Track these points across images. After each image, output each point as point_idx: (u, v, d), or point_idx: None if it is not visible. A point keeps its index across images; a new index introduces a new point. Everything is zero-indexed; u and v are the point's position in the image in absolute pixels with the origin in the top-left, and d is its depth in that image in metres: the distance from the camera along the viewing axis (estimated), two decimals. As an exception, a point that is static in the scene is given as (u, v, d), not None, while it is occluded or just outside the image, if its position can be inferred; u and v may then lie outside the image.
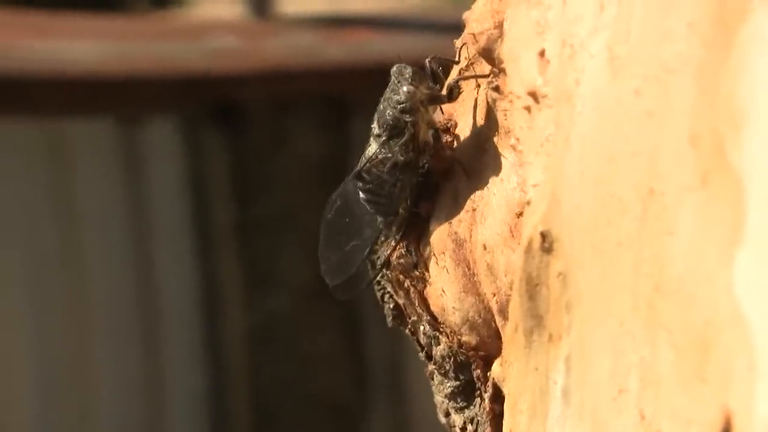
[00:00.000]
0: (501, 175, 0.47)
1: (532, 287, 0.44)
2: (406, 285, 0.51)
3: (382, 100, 0.51)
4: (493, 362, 0.48)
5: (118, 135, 2.11)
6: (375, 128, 0.51)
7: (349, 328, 2.20)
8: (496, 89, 0.47)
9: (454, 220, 0.49)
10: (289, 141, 2.24)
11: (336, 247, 0.53)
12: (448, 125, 0.51)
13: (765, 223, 0.34)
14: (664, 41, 0.38)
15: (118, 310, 2.09)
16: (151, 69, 2.10)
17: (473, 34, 0.46)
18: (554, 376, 0.43)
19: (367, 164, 0.51)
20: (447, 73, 0.51)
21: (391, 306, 0.53)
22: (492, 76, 0.47)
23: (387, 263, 0.51)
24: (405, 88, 0.50)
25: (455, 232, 0.49)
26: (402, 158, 0.51)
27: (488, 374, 0.49)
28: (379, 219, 0.52)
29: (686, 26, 0.37)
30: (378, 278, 0.53)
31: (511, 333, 0.46)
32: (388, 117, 0.51)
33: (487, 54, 0.46)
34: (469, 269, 0.49)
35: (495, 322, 0.48)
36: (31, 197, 2.01)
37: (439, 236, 0.49)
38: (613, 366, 0.40)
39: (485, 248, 0.47)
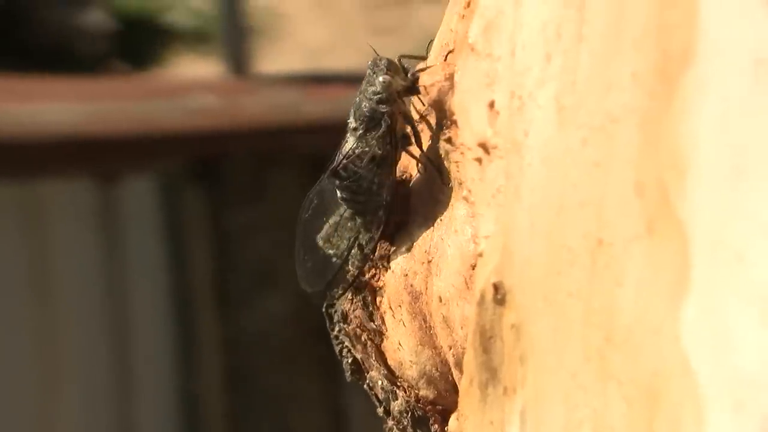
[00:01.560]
0: (455, 226, 0.47)
1: (486, 340, 0.43)
2: (363, 338, 0.50)
3: (358, 93, 0.50)
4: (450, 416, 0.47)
5: (95, 194, 2.10)
6: (351, 122, 0.50)
7: (333, 402, 2.18)
8: (449, 141, 0.46)
9: (410, 273, 0.48)
10: (268, 197, 2.24)
11: (313, 249, 0.51)
12: (403, 177, 0.50)
13: (709, 272, 0.34)
14: (608, 91, 0.38)
15: (93, 374, 2.07)
16: (129, 128, 2.10)
17: (425, 87, 0.46)
18: (509, 430, 0.43)
19: (344, 160, 0.50)
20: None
21: (350, 360, 0.52)
22: (447, 78, 0.46)
23: (365, 262, 0.50)
24: (381, 78, 0.49)
25: (411, 285, 0.48)
26: (379, 152, 0.49)
27: (445, 429, 0.48)
28: (358, 219, 0.50)
29: (630, 76, 0.37)
30: (337, 332, 0.52)
31: (466, 386, 0.45)
32: (364, 109, 0.50)
33: (439, 106, 0.46)
34: (425, 322, 0.48)
35: (452, 375, 0.47)
36: (4, 259, 2.00)
37: (395, 289, 0.49)
38: (567, 419, 0.39)
39: (441, 300, 0.47)
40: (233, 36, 3.12)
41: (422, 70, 0.49)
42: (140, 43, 3.59)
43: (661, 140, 0.36)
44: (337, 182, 0.50)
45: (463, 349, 0.46)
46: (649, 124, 0.36)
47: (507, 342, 0.43)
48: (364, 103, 0.50)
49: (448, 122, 0.46)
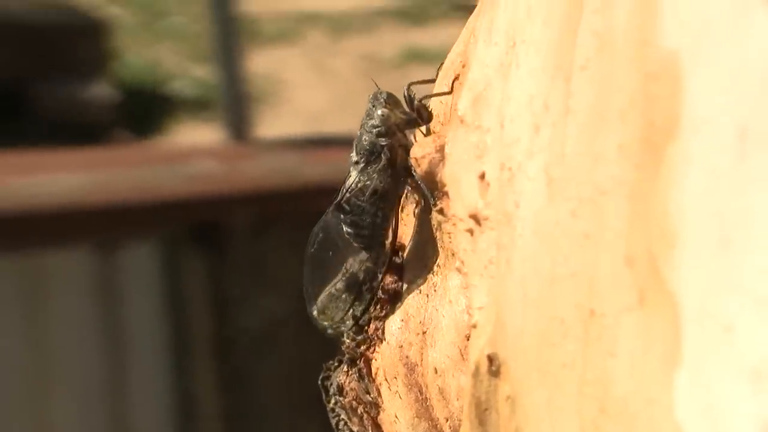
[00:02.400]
0: (449, 296, 0.47)
1: (482, 412, 0.43)
2: (359, 411, 0.50)
3: (360, 127, 0.50)
4: (448, 489, 0.47)
5: (96, 262, 2.10)
6: (353, 156, 0.51)
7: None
8: (441, 212, 0.47)
9: (405, 344, 0.48)
10: (270, 261, 2.24)
11: (321, 283, 0.51)
12: (397, 248, 0.51)
13: (700, 343, 0.34)
14: (596, 163, 0.38)
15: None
16: (130, 196, 2.11)
17: (416, 159, 0.47)
18: (507, 503, 0.42)
19: (347, 194, 0.50)
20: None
21: (347, 433, 0.52)
22: (451, 93, 0.47)
23: (372, 300, 0.50)
24: (379, 111, 0.49)
25: (406, 356, 0.48)
26: (381, 184, 0.49)
27: (443, 501, 0.47)
28: (365, 254, 0.50)
29: (616, 149, 0.37)
30: (333, 405, 0.52)
31: (463, 458, 0.45)
32: (364, 142, 0.50)
33: (430, 178, 0.46)
34: (421, 394, 0.48)
35: (449, 447, 0.47)
36: (4, 328, 1.99)
37: (391, 360, 0.49)
38: (564, 491, 0.39)
39: (436, 372, 0.47)
40: (233, 103, 3.16)
41: (428, 96, 0.50)
42: (143, 112, 3.63)
43: (649, 212, 0.36)
44: (342, 216, 0.51)
45: (460, 421, 0.46)
46: (637, 196, 0.36)
47: (502, 414, 0.42)
48: (364, 137, 0.50)
49: (440, 193, 0.47)
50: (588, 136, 0.39)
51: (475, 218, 0.44)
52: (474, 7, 0.49)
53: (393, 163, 0.50)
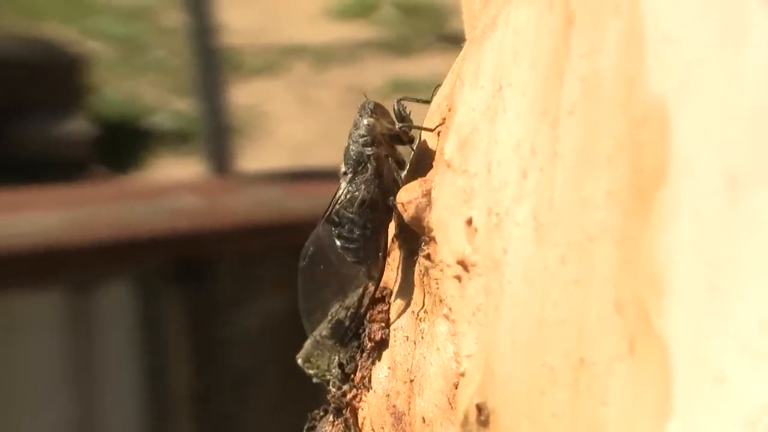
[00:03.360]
0: (436, 344, 0.47)
1: (471, 462, 0.44)
2: (346, 462, 0.50)
3: (348, 137, 0.51)
4: None
5: (72, 302, 2.09)
6: (342, 167, 0.52)
7: None
8: (428, 257, 0.47)
9: (392, 393, 0.49)
10: (253, 298, 2.23)
11: (317, 300, 0.52)
12: (383, 294, 0.51)
13: (691, 391, 0.34)
14: (584, 209, 0.39)
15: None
16: (107, 233, 2.10)
17: (402, 204, 0.47)
18: None
19: (336, 206, 0.51)
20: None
21: (335, 485, 0.52)
22: (442, 125, 0.47)
23: (362, 313, 0.50)
24: (365, 121, 0.50)
25: (394, 405, 0.49)
26: (368, 195, 0.50)
27: None
28: (361, 268, 0.51)
29: (605, 194, 0.38)
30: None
31: None
32: (351, 152, 0.51)
33: (417, 223, 0.47)
34: (409, 443, 0.48)
35: (438, 498, 0.47)
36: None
37: (378, 410, 0.49)
38: None
39: (425, 421, 0.47)
40: (215, 135, 3.16)
41: (413, 126, 0.51)
42: (122, 147, 3.64)
43: (638, 258, 0.37)
44: (333, 229, 0.51)
45: (449, 470, 0.46)
46: (625, 242, 0.37)
47: (492, 464, 0.43)
48: (352, 147, 0.51)
49: (427, 239, 0.47)
50: (576, 181, 0.39)
51: (463, 264, 0.45)
52: (460, 38, 0.50)
53: (380, 172, 0.50)
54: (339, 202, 0.51)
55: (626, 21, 0.36)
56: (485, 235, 0.44)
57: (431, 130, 0.49)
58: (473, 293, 0.44)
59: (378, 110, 0.51)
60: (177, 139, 3.71)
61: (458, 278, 0.45)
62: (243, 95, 3.61)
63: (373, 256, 0.50)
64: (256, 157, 3.36)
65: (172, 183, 3.06)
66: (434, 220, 0.47)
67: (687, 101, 0.35)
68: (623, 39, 0.37)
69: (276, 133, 3.63)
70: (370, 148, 0.50)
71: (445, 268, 0.46)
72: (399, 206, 0.48)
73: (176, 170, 3.56)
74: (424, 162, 0.50)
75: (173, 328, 2.16)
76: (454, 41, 0.52)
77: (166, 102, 3.87)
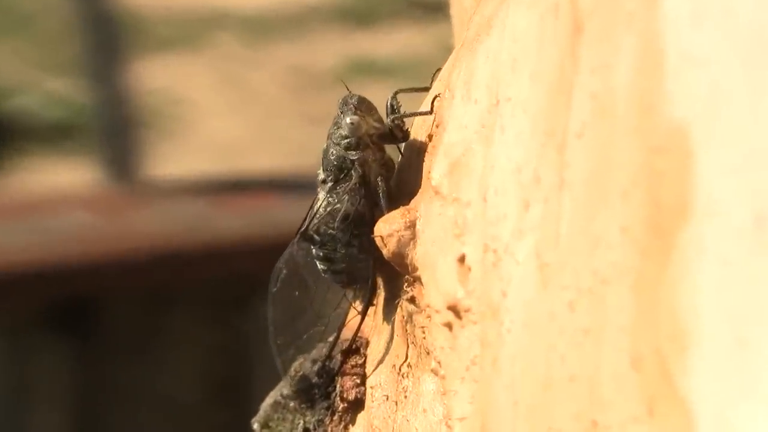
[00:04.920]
0: (423, 404, 0.53)
1: None
2: None
3: (326, 138, 0.56)
4: None
5: None
6: (320, 173, 0.56)
7: None
8: (412, 301, 0.53)
9: (370, 463, 0.55)
10: (165, 348, 2.21)
11: (292, 333, 0.56)
12: (358, 344, 0.57)
13: (717, 459, 0.40)
14: (596, 247, 0.45)
15: None
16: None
17: (381, 237, 0.53)
18: None
19: (314, 220, 0.55)
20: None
21: None
22: (432, 113, 0.52)
23: (333, 367, 0.55)
24: (348, 119, 0.55)
25: (371, 477, 0.55)
26: (352, 207, 0.55)
27: None
28: (345, 291, 0.56)
29: (619, 231, 0.44)
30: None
31: None
32: (331, 157, 0.55)
33: (399, 260, 0.53)
34: None
35: None
36: None
37: (353, 482, 0.55)
38: None
39: (408, 496, 0.53)
40: (113, 130, 3.18)
41: (406, 115, 0.55)
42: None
43: (657, 306, 0.43)
44: (313, 249, 0.56)
45: None
46: (643, 287, 0.43)
47: None
48: (332, 150, 0.55)
49: (411, 279, 0.53)
50: (586, 215, 0.46)
51: (455, 310, 0.51)
52: (438, 4, 0.56)
53: (366, 180, 0.55)
54: (317, 215, 0.55)
55: (641, 34, 0.43)
56: (481, 275, 0.50)
57: (429, 113, 0.54)
58: (467, 344, 0.50)
59: (363, 106, 0.55)
60: (57, 133, 3.68)
61: (449, 326, 0.51)
62: (152, 76, 3.64)
63: (361, 279, 0.55)
64: (171, 159, 3.39)
65: (53, 195, 2.96)
66: (420, 257, 0.53)
67: (711, 129, 0.41)
68: (639, 55, 0.43)
69: (197, 127, 3.65)
70: (354, 152, 0.55)
71: (432, 314, 0.52)
72: (378, 240, 0.54)
73: (57, 177, 3.48)
74: (409, 175, 0.56)
75: (50, 393, 2.13)
76: (432, 8, 0.58)
77: (38, 80, 3.84)
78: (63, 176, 3.50)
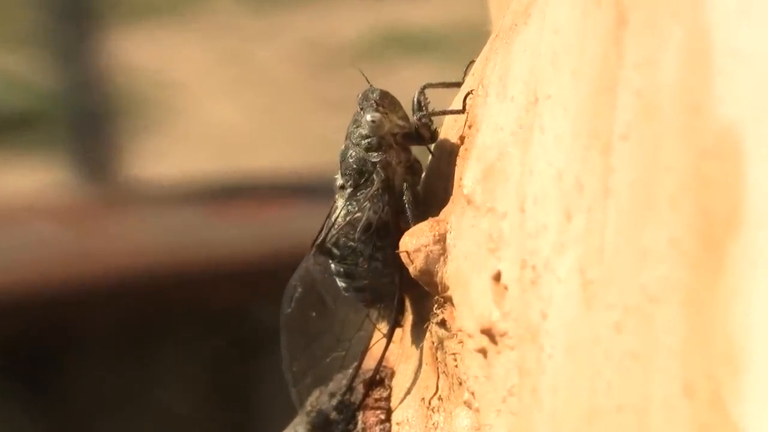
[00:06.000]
0: (456, 443, 0.60)
1: None
2: None
3: (345, 138, 0.61)
4: None
5: None
6: (338, 178, 0.61)
7: None
8: (442, 325, 0.60)
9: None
10: (147, 395, 2.19)
11: (308, 359, 0.62)
12: (382, 374, 0.63)
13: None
14: (644, 261, 0.52)
15: None
16: None
17: (407, 252, 0.60)
18: None
19: (332, 231, 0.61)
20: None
21: None
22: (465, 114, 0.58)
23: (353, 401, 0.61)
24: (369, 117, 0.60)
25: None
26: (376, 216, 0.60)
27: None
28: (368, 310, 0.61)
29: (667, 243, 0.51)
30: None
31: None
32: (350, 159, 0.61)
33: (427, 278, 0.59)
34: None
35: None
36: None
37: None
38: None
39: None
40: (85, 119, 3.20)
41: (434, 113, 0.61)
42: None
43: (709, 325, 0.49)
44: (332, 264, 0.61)
45: None
46: (694, 306, 0.50)
47: None
48: (351, 151, 0.61)
49: (441, 300, 0.59)
50: (632, 226, 0.52)
51: (490, 334, 0.57)
52: None
53: (390, 185, 0.61)
54: (336, 226, 0.61)
55: (688, 28, 0.50)
56: (518, 294, 0.56)
57: (461, 112, 0.59)
58: (503, 372, 0.57)
59: (385, 101, 0.61)
60: (13, 124, 3.68)
61: (483, 352, 0.57)
62: (133, 53, 3.65)
63: (386, 297, 0.61)
64: (157, 156, 3.39)
65: (8, 202, 2.92)
66: (450, 275, 0.59)
67: (763, 130, 0.48)
68: (685, 50, 0.50)
69: (190, 116, 3.65)
70: (376, 154, 0.61)
71: (465, 339, 0.58)
72: (403, 256, 0.60)
73: (14, 179, 3.44)
74: (438, 182, 0.62)
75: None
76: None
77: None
78: (21, 178, 3.43)
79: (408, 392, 0.62)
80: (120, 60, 3.43)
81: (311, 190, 2.38)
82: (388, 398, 0.63)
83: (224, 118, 3.64)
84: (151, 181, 2.99)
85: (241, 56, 3.88)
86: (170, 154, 3.47)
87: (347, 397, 0.62)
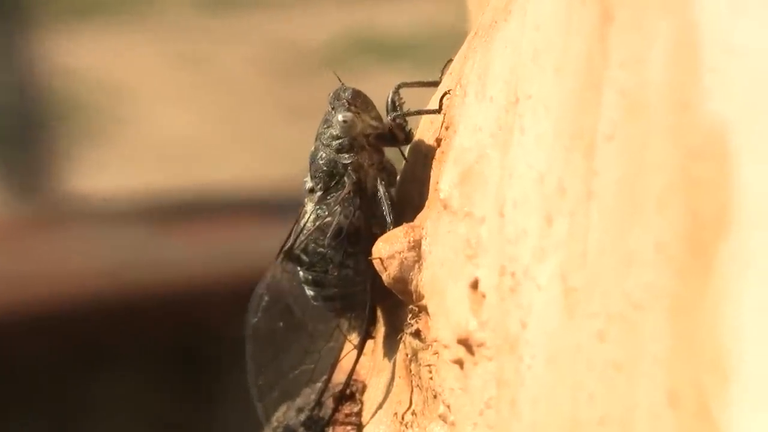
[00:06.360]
0: (430, 459, 0.62)
1: None
2: None
3: (315, 139, 0.63)
4: None
5: None
6: (307, 181, 0.64)
7: None
8: (417, 335, 0.62)
9: None
10: (89, 424, 2.18)
11: (275, 372, 0.64)
12: (353, 388, 0.66)
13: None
14: (628, 267, 0.54)
15: None
16: None
17: (380, 259, 0.62)
18: None
19: (301, 237, 0.63)
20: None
21: None
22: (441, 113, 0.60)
23: (322, 417, 0.62)
24: (340, 116, 0.63)
25: None
26: (346, 220, 0.62)
27: None
28: (338, 321, 0.63)
29: (653, 248, 0.53)
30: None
31: None
32: (320, 161, 0.63)
33: (401, 287, 0.61)
34: None
35: None
36: None
37: None
38: None
39: None
40: (16, 128, 3.18)
41: (410, 113, 0.63)
42: None
43: (696, 332, 0.51)
44: (300, 272, 0.63)
45: None
46: (680, 311, 0.52)
47: None
48: (321, 152, 0.63)
49: (415, 309, 0.61)
50: (617, 230, 0.54)
51: (466, 344, 0.59)
52: None
53: (362, 188, 0.63)
54: (305, 231, 0.63)
55: (676, 24, 0.52)
56: (497, 303, 0.58)
57: (437, 112, 0.62)
58: (480, 384, 0.59)
59: (358, 101, 0.63)
60: None
61: (459, 363, 0.59)
62: (74, 53, 3.63)
63: (357, 306, 0.63)
64: (101, 169, 3.36)
65: None
66: (426, 282, 0.61)
67: (753, 129, 0.50)
68: (673, 45, 0.52)
69: (139, 123, 3.62)
70: (347, 155, 0.63)
71: (441, 350, 0.60)
72: (377, 263, 0.62)
73: None
74: (413, 186, 0.65)
75: None
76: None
77: None
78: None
79: (380, 407, 0.65)
80: (57, 62, 3.40)
81: (275, 207, 2.33)
82: (359, 413, 0.65)
83: (177, 126, 3.62)
84: (92, 197, 2.96)
85: (196, 59, 3.85)
86: (115, 167, 3.44)
87: (316, 412, 0.64)
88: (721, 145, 0.51)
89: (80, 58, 3.71)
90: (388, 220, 0.62)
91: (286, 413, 0.65)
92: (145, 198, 2.70)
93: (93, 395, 2.18)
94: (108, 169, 3.39)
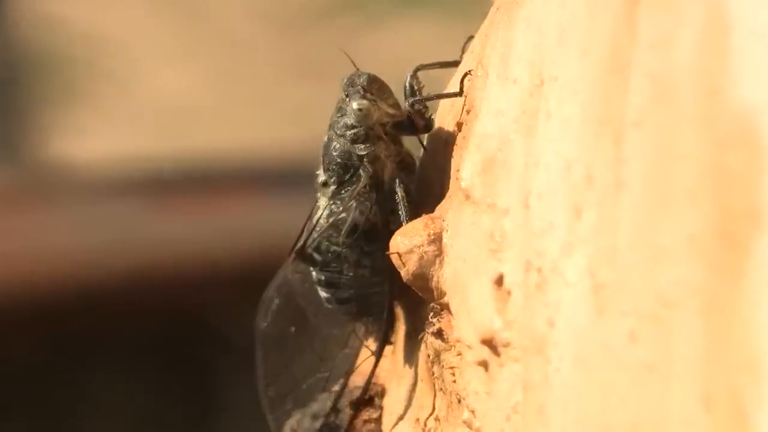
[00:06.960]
0: (454, 469, 0.66)
1: None
2: None
3: (327, 128, 0.65)
4: None
5: None
6: (320, 174, 0.66)
7: None
8: (438, 335, 0.65)
9: None
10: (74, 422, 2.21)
11: (287, 381, 0.66)
12: (372, 393, 0.69)
13: None
14: (659, 263, 0.58)
15: None
16: None
17: (398, 254, 0.66)
18: None
19: (314, 234, 0.65)
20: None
21: None
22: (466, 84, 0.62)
23: (340, 424, 0.65)
24: (355, 104, 0.65)
25: None
26: (362, 217, 0.65)
27: None
28: (354, 325, 0.65)
29: (685, 241, 0.57)
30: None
31: None
32: (334, 152, 0.66)
33: (421, 283, 0.65)
34: None
35: None
36: None
37: None
38: None
39: None
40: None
41: (428, 98, 0.65)
42: None
43: (730, 333, 0.55)
44: (313, 272, 0.65)
45: None
46: (714, 311, 0.56)
47: None
48: (335, 143, 0.66)
49: (437, 308, 0.65)
50: (647, 223, 0.58)
51: (491, 345, 0.63)
52: None
53: (378, 182, 0.65)
54: (318, 228, 0.66)
55: (706, 4, 0.56)
56: (522, 300, 0.62)
57: (458, 95, 0.64)
58: (506, 387, 0.62)
59: (374, 87, 0.66)
60: None
61: (484, 365, 0.63)
62: (58, 6, 3.64)
63: (374, 310, 0.66)
64: (89, 136, 3.36)
65: None
66: (447, 279, 0.65)
67: None
68: (702, 28, 0.56)
69: (130, 82, 3.62)
70: (363, 146, 0.66)
71: (464, 351, 0.64)
72: (395, 258, 0.65)
73: None
74: (433, 175, 0.69)
75: None
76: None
77: None
78: None
79: (402, 412, 0.68)
80: (39, 10, 3.41)
81: (282, 176, 2.39)
82: (378, 419, 0.68)
83: (173, 86, 3.60)
84: (78, 166, 2.96)
85: (194, 13, 3.85)
86: (103, 131, 3.43)
87: (332, 419, 0.67)
88: (753, 133, 0.56)
89: (63, 5, 3.71)
90: (403, 219, 0.65)
91: (300, 421, 0.67)
92: (136, 167, 2.67)
93: (76, 384, 2.23)
94: (94, 135, 3.39)
